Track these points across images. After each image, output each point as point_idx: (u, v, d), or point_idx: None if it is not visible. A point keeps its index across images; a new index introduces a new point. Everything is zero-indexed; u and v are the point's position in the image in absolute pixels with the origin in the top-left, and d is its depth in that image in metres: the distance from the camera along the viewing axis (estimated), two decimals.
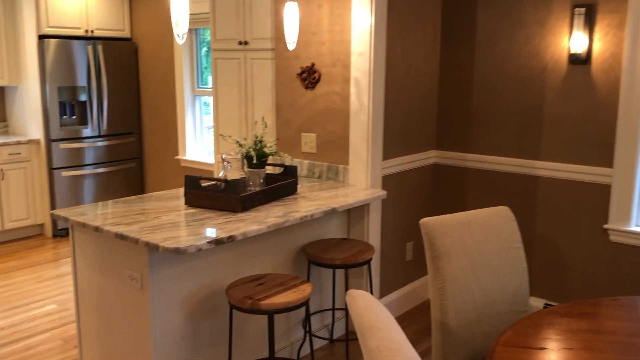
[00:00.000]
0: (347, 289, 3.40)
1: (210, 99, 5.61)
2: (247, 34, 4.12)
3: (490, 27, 3.79)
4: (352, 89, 3.49)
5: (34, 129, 5.66)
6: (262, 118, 3.99)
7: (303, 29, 3.66)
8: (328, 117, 3.65)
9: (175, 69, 5.72)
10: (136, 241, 2.45)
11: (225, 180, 2.86)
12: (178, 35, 2.70)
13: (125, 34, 6.07)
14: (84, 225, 2.68)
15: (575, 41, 3.41)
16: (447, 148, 4.11)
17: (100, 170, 5.98)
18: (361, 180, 3.53)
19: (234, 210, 2.86)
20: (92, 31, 5.79)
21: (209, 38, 5.17)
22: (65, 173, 5.71)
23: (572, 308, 2.04)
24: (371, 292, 3.26)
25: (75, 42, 5.62)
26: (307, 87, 3.71)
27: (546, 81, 3.60)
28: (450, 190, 4.14)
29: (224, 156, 3.05)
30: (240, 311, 2.53)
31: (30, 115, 5.69)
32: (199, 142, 5.84)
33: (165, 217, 2.76)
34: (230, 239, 2.50)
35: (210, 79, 5.57)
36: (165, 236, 2.46)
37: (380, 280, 3.79)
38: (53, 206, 5.69)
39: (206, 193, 2.91)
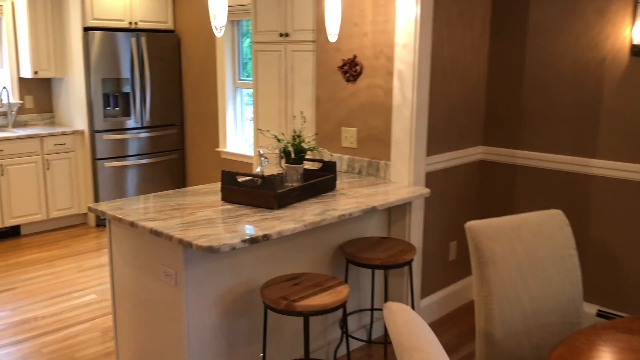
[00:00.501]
0: (386, 289, 3.29)
1: (252, 91, 5.56)
2: (288, 26, 4.03)
3: (544, 17, 3.59)
4: (395, 82, 3.35)
5: (79, 120, 5.72)
6: (301, 112, 3.90)
7: (345, 20, 3.54)
8: (369, 111, 3.53)
9: (217, 61, 5.68)
10: (170, 238, 2.39)
11: (262, 176, 2.78)
12: (216, 27, 2.63)
13: (169, 26, 6.07)
14: (119, 220, 2.65)
15: (639, 31, 3.19)
16: (495, 144, 3.93)
17: (143, 161, 6.01)
18: (403, 176, 3.40)
19: (270, 207, 2.78)
20: (136, 23, 5.80)
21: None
22: (109, 164, 5.76)
23: (633, 323, 1.87)
24: (411, 293, 3.13)
25: (119, 34, 5.64)
26: (348, 80, 3.59)
27: (604, 74, 3.38)
28: (498, 189, 3.96)
29: (261, 151, 2.97)
30: (275, 312, 2.45)
31: (75, 107, 5.76)
32: (240, 134, 5.79)
33: (200, 213, 2.70)
34: (265, 238, 2.42)
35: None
36: (200, 233, 2.40)
37: (421, 280, 3.66)
38: (96, 196, 5.75)
39: (242, 189, 2.84)
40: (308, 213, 2.74)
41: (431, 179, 3.57)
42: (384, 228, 3.47)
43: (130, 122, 5.86)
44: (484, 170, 4.00)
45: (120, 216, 2.65)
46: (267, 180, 2.76)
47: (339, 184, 3.37)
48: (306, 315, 2.42)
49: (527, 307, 2.09)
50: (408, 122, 3.34)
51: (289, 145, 3.05)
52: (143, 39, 5.79)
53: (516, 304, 2.08)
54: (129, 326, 2.89)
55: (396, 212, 3.45)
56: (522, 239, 2.12)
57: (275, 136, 3.14)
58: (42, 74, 5.69)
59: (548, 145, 3.66)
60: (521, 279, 2.08)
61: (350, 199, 3.03)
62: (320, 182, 3.11)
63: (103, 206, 2.80)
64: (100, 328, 3.67)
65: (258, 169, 2.96)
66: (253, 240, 2.38)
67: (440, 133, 3.60)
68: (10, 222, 5.35)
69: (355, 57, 3.53)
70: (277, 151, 2.99)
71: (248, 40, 5.64)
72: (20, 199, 5.37)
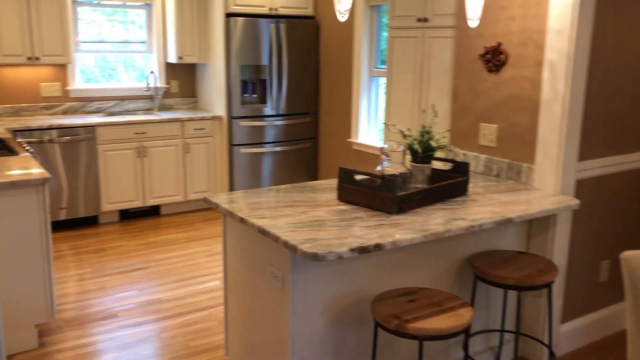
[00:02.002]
0: (519, 311, 2.89)
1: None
2: (428, 10, 3.69)
3: None
4: (545, 74, 2.90)
5: (218, 106, 5.84)
6: (432, 106, 3.56)
7: (490, 3, 3.14)
8: (513, 105, 3.11)
9: (354, 48, 5.47)
10: (276, 239, 2.23)
11: (381, 176, 2.51)
12: (339, 11, 2.40)
13: (309, 12, 5.97)
14: (231, 214, 2.54)
15: None
16: None
17: (277, 148, 6.00)
18: (549, 183, 2.96)
19: (388, 211, 2.51)
20: (276, 9, 5.76)
21: None
22: (244, 150, 5.82)
23: None
24: (550, 316, 2.71)
25: (259, 21, 5.64)
26: (490, 71, 3.19)
27: None
28: None
29: (384, 148, 2.71)
30: (385, 331, 2.20)
31: (215, 93, 5.88)
32: (373, 125, 5.55)
33: (313, 213, 2.51)
34: (378, 248, 2.16)
35: None
36: (307, 236, 2.20)
37: (563, 302, 3.19)
38: (231, 181, 5.84)
39: (360, 189, 2.60)
40: (431, 221, 2.44)
41: (582, 187, 3.07)
42: (522, 241, 3.05)
43: (267, 110, 5.86)
44: None
45: (232, 210, 2.54)
46: (387, 181, 2.49)
47: (472, 187, 3.01)
48: (420, 339, 2.13)
49: None
50: (558, 120, 2.89)
51: (416, 142, 2.76)
52: (282, 26, 5.74)
53: None
54: (238, 322, 2.80)
55: (538, 224, 3.02)
56: None
57: (402, 131, 2.86)
58: (187, 60, 5.86)
59: None
60: None
61: (482, 206, 2.67)
62: (449, 185, 2.77)
63: (217, 198, 2.71)
64: (218, 318, 3.66)
65: (379, 167, 2.70)
66: (363, 250, 2.13)
67: (596, 134, 3.08)
68: (150, 202, 5.60)
69: (499, 44, 3.12)
70: (401, 148, 2.70)
71: None
72: (160, 180, 5.60)
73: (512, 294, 3.10)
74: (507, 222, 2.54)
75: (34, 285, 3.15)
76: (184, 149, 5.68)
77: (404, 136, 2.81)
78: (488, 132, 3.26)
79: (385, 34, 5.34)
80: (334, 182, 3.03)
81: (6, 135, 4.34)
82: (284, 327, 2.39)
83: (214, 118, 5.78)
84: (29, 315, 3.18)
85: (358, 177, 2.69)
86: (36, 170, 3.17)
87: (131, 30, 5.98)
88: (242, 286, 2.71)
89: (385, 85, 4.12)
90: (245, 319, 2.72)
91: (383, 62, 5.39)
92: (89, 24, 5.74)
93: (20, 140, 4.18)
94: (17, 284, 3.10)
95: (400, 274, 2.61)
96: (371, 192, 2.56)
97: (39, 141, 4.96)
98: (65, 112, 5.63)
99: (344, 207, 2.61)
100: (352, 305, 2.49)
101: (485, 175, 3.28)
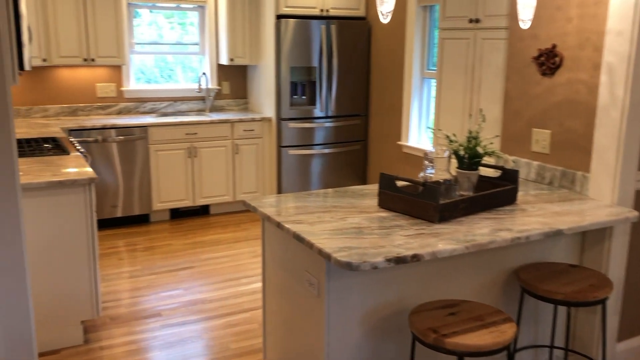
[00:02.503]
0: (569, 327, 2.73)
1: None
2: (480, 10, 3.56)
3: None
4: (603, 78, 2.74)
5: (268, 107, 5.84)
6: (480, 110, 3.43)
7: (545, 2, 2.99)
8: (568, 110, 2.95)
9: (406, 49, 5.35)
10: (311, 246, 2.18)
11: (423, 183, 2.42)
12: (381, 13, 2.33)
13: (360, 12, 5.89)
14: (268, 218, 2.51)
15: None
16: None
17: (326, 151, 5.96)
18: (605, 193, 2.79)
19: (430, 219, 2.42)
20: (327, 10, 5.72)
21: None
22: (293, 151, 5.81)
23: None
24: (604, 334, 2.55)
25: (310, 22, 5.61)
26: (544, 74, 3.04)
27: None
28: None
29: (428, 153, 2.62)
30: (422, 344, 2.11)
31: (265, 94, 5.89)
32: (424, 128, 5.42)
33: (351, 219, 2.44)
34: (415, 258, 2.08)
35: None
36: (343, 244, 2.14)
37: (620, 320, 3.00)
38: (279, 182, 5.84)
39: (401, 196, 2.52)
40: (475, 231, 2.33)
41: None
42: (575, 253, 2.89)
43: (316, 111, 5.83)
44: None
45: (269, 215, 2.51)
46: (429, 189, 2.40)
47: (522, 195, 2.88)
48: (458, 355, 2.04)
49: None
50: (616, 126, 2.72)
51: (461, 148, 2.65)
52: (333, 27, 5.69)
53: None
54: (276, 327, 2.77)
55: (592, 236, 2.85)
56: None
57: (448, 136, 2.76)
58: (238, 61, 5.90)
59: None
60: None
61: (531, 216, 2.54)
62: (496, 193, 2.65)
63: (256, 202, 2.69)
64: (259, 320, 3.64)
65: (422, 174, 2.61)
66: (399, 261, 2.05)
67: None
68: (200, 202, 5.67)
69: (554, 46, 2.97)
70: (446, 154, 2.60)
71: None
72: (210, 180, 5.66)
73: (562, 309, 2.95)
74: (556, 234, 2.40)
75: (80, 282, 3.21)
76: (233, 149, 5.71)
77: (450, 141, 2.71)
78: (541, 138, 3.11)
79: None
80: (375, 188, 2.96)
81: (61, 135, 4.47)
82: (320, 336, 2.34)
83: (263, 119, 5.79)
84: (75, 312, 3.25)
85: (400, 183, 2.61)
86: (84, 170, 3.24)
87: (188, 31, 6.07)
88: (280, 291, 2.68)
89: (436, 87, 4.00)
90: (282, 324, 2.68)
91: (435, 64, 5.27)
92: (150, 25, 5.87)
93: (73, 139, 4.30)
94: (63, 281, 3.17)
95: (442, 285, 2.51)
96: (413, 199, 2.47)
97: (94, 140, 5.10)
98: (120, 112, 5.76)
99: (384, 214, 2.53)
100: (390, 315, 2.42)
101: (537, 183, 3.13)
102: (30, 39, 3.95)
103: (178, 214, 5.71)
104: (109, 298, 3.91)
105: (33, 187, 2.99)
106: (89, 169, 3.26)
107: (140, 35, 5.86)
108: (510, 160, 3.23)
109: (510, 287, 2.71)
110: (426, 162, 2.58)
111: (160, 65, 6.06)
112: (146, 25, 5.87)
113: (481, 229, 2.35)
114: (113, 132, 5.17)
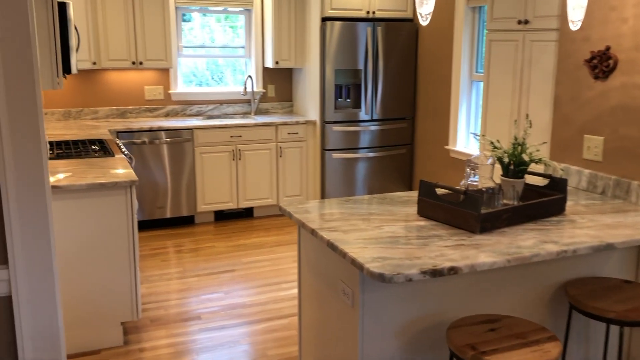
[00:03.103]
0: (621, 348, 2.57)
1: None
2: (529, 11, 3.42)
3: None
4: None
5: (312, 110, 5.81)
6: (527, 116, 3.28)
7: (599, 3, 2.83)
8: (623, 116, 2.78)
9: (454, 52, 5.22)
10: (344, 255, 2.11)
11: (464, 192, 2.32)
12: (421, 15, 2.25)
13: (407, 14, 5.79)
14: (303, 225, 2.46)
15: None
16: None
17: (371, 154, 5.87)
18: None
19: (471, 230, 2.31)
20: (374, 12, 5.64)
21: None
22: (337, 155, 5.75)
23: None
24: None
25: (356, 24, 5.54)
26: (596, 77, 2.88)
27: None
28: None
29: (470, 160, 2.51)
30: None
31: (309, 97, 5.86)
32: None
33: (388, 228, 2.37)
34: (452, 271, 1.98)
35: None
36: (377, 254, 2.07)
37: None
38: (323, 186, 5.79)
39: (441, 204, 2.42)
40: (518, 243, 2.21)
41: None
42: (630, 268, 2.72)
43: (361, 114, 5.75)
44: None
45: (304, 221, 2.46)
46: (470, 197, 2.30)
47: (572, 205, 2.73)
48: None
49: None
50: None
51: (506, 155, 2.53)
52: (379, 29, 5.61)
53: None
54: (311, 336, 2.71)
55: None
56: None
57: (492, 142, 2.64)
58: (283, 64, 5.89)
59: None
60: None
61: (580, 228, 2.40)
62: (543, 203, 2.52)
63: (292, 207, 2.65)
64: (297, 327, 3.60)
65: (464, 182, 2.51)
66: (435, 273, 1.96)
67: None
68: (244, 204, 5.68)
69: (608, 48, 2.81)
70: (489, 161, 2.49)
71: None
72: (254, 182, 5.66)
73: (615, 328, 2.78)
74: (607, 248, 2.26)
75: (121, 283, 3.25)
76: (277, 152, 5.70)
77: (494, 148, 2.60)
78: (593, 145, 2.94)
79: None
80: (416, 195, 2.87)
81: (108, 137, 4.55)
82: (354, 347, 2.27)
83: (307, 123, 5.76)
84: (115, 313, 3.29)
85: (440, 191, 2.51)
86: (125, 173, 3.27)
87: (239, 35, 6.11)
88: (315, 299, 2.62)
89: (483, 91, 3.87)
90: (317, 333, 2.63)
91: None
92: (203, 28, 5.94)
93: (119, 142, 4.37)
94: (104, 282, 3.21)
95: (482, 299, 2.40)
96: (453, 208, 2.37)
97: (141, 142, 5.18)
98: (167, 115, 5.84)
99: (422, 223, 2.44)
100: (427, 329, 2.32)
101: (588, 192, 2.97)
102: (78, 43, 4.04)
103: (222, 216, 5.74)
104: (150, 300, 3.95)
105: (75, 188, 3.04)
106: (131, 172, 3.29)
107: (193, 39, 5.92)
108: (559, 168, 3.08)
109: (558, 303, 2.57)
110: (468, 169, 2.48)
111: (212, 68, 6.12)
112: (199, 29, 5.93)
113: (525, 241, 2.23)
114: (160, 134, 5.24)
